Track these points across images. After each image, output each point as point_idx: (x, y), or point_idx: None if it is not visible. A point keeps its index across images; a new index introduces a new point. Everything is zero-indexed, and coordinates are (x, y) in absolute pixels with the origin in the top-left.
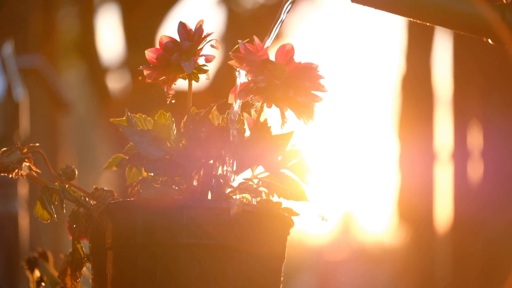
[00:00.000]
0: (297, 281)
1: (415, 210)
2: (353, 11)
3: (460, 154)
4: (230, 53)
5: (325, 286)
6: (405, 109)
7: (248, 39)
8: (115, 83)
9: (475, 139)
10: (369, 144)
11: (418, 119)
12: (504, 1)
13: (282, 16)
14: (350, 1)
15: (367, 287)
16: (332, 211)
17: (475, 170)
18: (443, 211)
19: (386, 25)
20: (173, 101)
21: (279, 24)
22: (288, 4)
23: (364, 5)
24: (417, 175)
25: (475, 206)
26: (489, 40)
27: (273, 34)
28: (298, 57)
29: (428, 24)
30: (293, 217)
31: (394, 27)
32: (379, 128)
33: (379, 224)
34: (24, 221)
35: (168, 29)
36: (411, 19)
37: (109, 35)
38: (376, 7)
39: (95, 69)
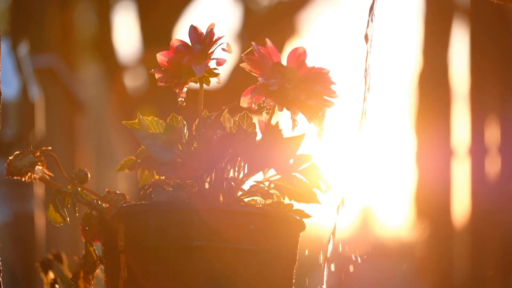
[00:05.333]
0: (315, 277)
1: (433, 205)
2: (369, 7)
3: (478, 149)
4: (243, 55)
5: (344, 281)
6: (422, 105)
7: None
8: (131, 81)
9: (493, 134)
10: (388, 139)
11: (435, 114)
12: None
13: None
14: None
15: (385, 282)
16: (350, 205)
17: (493, 165)
18: (461, 206)
19: (403, 21)
20: (184, 104)
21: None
22: None
23: None
24: (435, 171)
25: (493, 201)
26: None
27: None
28: (311, 61)
29: None
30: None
31: (411, 23)
32: (397, 123)
33: (397, 219)
34: (40, 220)
35: (185, 27)
36: None
37: (126, 33)
38: None
39: (112, 67)
